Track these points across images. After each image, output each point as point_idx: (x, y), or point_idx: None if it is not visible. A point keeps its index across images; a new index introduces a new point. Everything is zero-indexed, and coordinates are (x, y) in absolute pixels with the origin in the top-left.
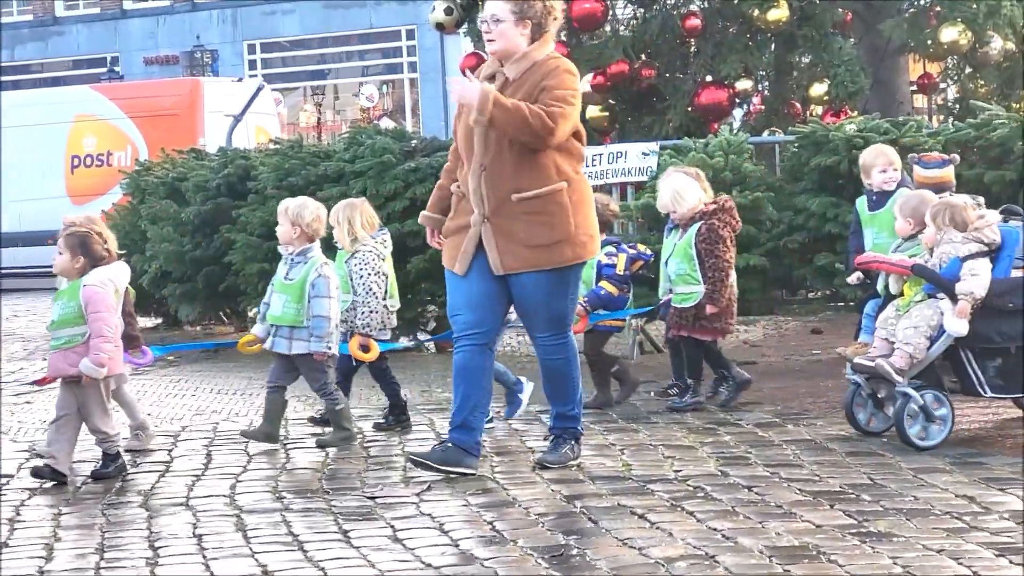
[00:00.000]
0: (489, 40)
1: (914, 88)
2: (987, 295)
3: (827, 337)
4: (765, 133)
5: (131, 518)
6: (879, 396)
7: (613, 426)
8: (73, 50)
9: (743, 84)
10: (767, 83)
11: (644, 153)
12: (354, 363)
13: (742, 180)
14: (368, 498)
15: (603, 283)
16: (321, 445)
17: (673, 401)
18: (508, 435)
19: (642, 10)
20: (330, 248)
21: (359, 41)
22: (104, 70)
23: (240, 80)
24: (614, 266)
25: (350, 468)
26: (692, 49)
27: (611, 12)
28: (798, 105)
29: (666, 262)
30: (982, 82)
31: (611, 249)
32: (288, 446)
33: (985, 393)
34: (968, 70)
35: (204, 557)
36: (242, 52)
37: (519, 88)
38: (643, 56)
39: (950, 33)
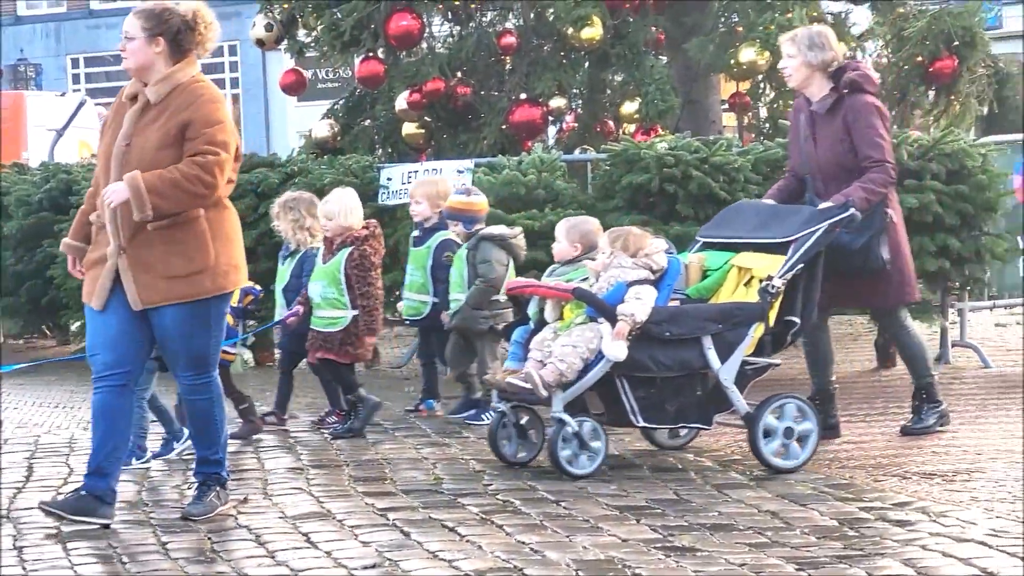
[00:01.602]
0: (124, 58)
1: (726, 107)
2: (646, 322)
3: None
4: (577, 151)
5: None
6: (522, 424)
7: (425, 440)
8: None
9: (557, 102)
10: (580, 101)
11: (459, 171)
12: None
13: (555, 198)
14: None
15: None
16: None
17: (335, 428)
18: (323, 448)
19: (458, 28)
20: None
21: None
22: None
23: (63, 94)
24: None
25: (170, 481)
26: (507, 67)
27: (427, 29)
28: (611, 123)
29: (284, 289)
30: (791, 103)
31: None
32: None
33: (638, 422)
34: (772, 91)
35: (24, 569)
36: (66, 66)
37: (162, 112)
38: (459, 74)
39: (748, 53)
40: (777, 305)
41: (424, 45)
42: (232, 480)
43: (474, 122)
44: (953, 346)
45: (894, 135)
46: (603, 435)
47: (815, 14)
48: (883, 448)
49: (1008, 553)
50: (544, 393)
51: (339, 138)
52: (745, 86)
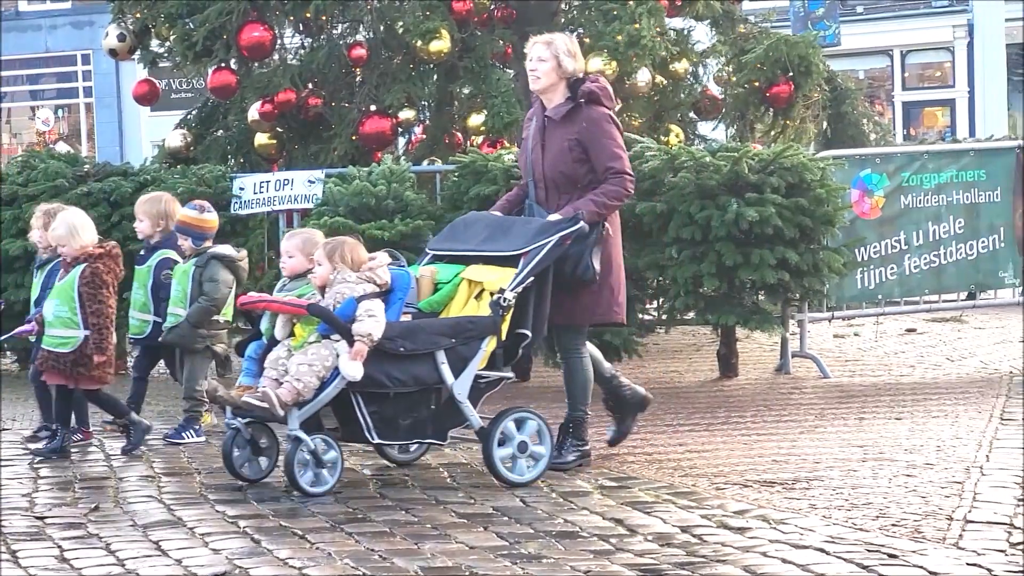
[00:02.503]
0: None
1: None
2: (380, 337)
3: None
4: (425, 162)
5: None
6: (259, 443)
7: None
8: None
9: (406, 114)
10: (428, 113)
11: (310, 181)
12: None
13: (404, 208)
14: (37, 518)
15: None
16: None
17: (39, 448)
18: (175, 456)
19: (309, 39)
20: None
21: (35, 64)
22: None
23: None
24: None
25: (20, 488)
26: (358, 79)
27: (279, 41)
28: (459, 135)
29: (35, 301)
30: (636, 114)
31: None
32: None
33: (373, 439)
34: (617, 103)
35: None
36: None
37: None
38: (310, 85)
39: (595, 63)
40: (509, 318)
41: (276, 56)
42: (83, 488)
43: (325, 133)
44: (793, 357)
45: (735, 149)
46: (338, 451)
47: (659, 28)
48: (725, 457)
49: (844, 559)
50: (281, 412)
51: (192, 148)
52: None
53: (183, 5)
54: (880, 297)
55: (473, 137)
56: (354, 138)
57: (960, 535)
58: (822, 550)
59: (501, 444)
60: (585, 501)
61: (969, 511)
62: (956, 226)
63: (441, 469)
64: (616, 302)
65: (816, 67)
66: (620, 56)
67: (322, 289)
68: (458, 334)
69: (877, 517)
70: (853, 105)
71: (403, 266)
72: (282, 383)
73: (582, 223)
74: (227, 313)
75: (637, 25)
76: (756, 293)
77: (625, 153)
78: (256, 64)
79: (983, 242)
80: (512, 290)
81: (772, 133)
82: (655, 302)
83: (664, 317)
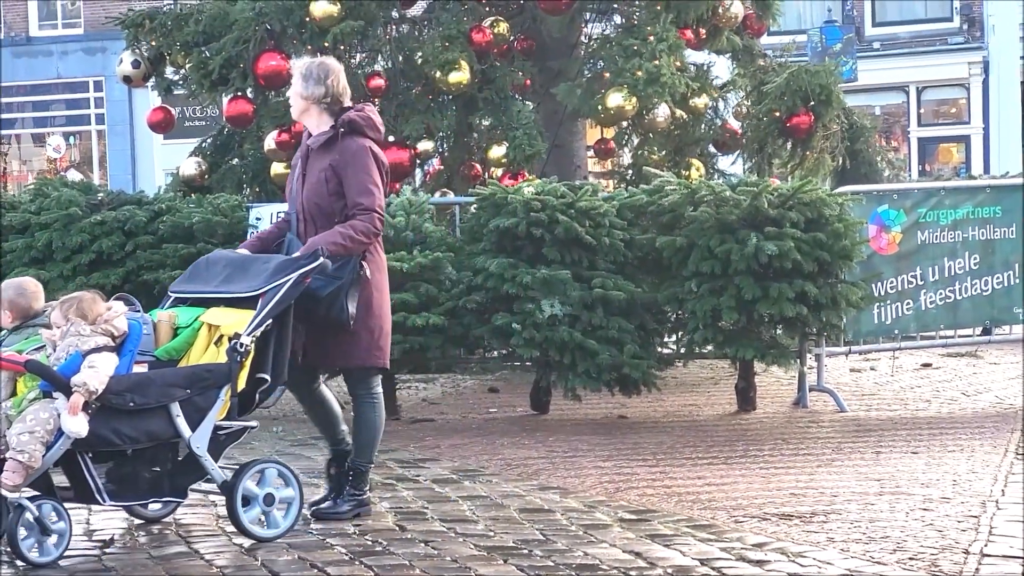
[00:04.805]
0: None
1: (591, 153)
2: (106, 392)
3: (503, 396)
4: (437, 194)
5: None
6: None
7: None
8: None
9: (425, 145)
10: (447, 144)
11: None
12: None
13: (423, 240)
14: None
15: None
16: None
17: None
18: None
19: None
20: None
21: (46, 91)
22: None
23: None
24: None
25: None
26: (376, 109)
27: None
28: (478, 167)
29: None
30: (655, 148)
31: None
32: None
33: (105, 501)
34: (637, 137)
35: None
36: None
37: None
38: None
39: (615, 99)
40: (248, 364)
41: None
42: (98, 518)
43: None
44: (810, 390)
45: (755, 184)
46: (66, 516)
47: (679, 63)
48: (743, 490)
49: None
50: (17, 495)
51: (207, 176)
52: (610, 132)
53: (199, 33)
54: (896, 332)
55: (493, 169)
56: None
57: (976, 569)
58: None
59: (247, 504)
60: (605, 534)
61: (985, 545)
62: (971, 262)
63: (460, 502)
64: (376, 346)
65: (836, 96)
66: (640, 92)
67: (56, 345)
68: (193, 384)
69: (894, 550)
70: (867, 143)
71: (137, 311)
72: (5, 459)
73: (322, 259)
74: None
75: (657, 62)
76: (774, 327)
77: (379, 189)
78: (273, 93)
79: (998, 278)
80: (249, 334)
81: (790, 165)
82: (674, 335)
83: (683, 350)
